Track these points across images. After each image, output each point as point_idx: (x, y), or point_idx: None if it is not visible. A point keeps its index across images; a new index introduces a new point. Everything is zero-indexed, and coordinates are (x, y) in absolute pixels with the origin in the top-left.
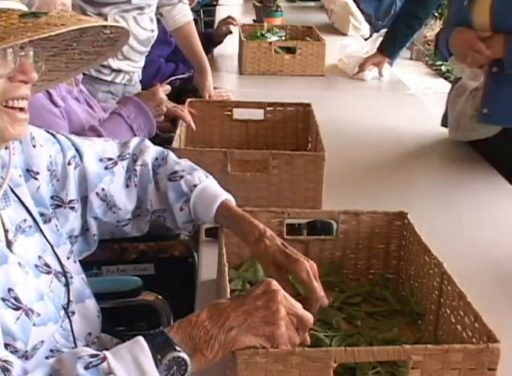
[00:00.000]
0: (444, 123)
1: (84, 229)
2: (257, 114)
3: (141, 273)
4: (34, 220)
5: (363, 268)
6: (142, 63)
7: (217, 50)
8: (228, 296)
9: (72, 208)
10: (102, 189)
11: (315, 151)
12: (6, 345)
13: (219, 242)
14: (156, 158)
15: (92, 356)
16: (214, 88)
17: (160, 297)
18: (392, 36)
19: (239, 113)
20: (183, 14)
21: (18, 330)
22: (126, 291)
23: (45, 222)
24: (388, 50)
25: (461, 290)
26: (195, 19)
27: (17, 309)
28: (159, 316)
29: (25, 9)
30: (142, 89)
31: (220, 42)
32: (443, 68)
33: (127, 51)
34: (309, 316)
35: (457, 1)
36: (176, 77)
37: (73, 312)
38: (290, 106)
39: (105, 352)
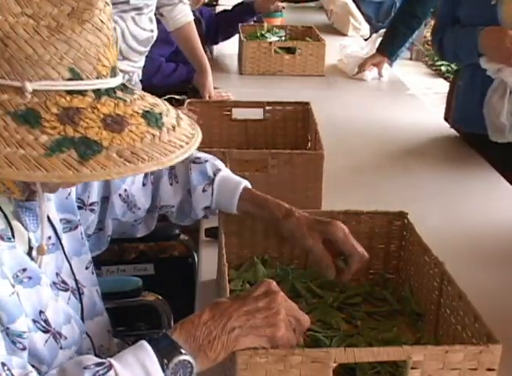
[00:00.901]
0: (447, 116)
1: (98, 228)
2: (257, 114)
3: (141, 273)
4: (56, 236)
5: (363, 268)
6: (141, 63)
7: (217, 50)
8: (228, 296)
9: (92, 210)
10: (125, 190)
11: (315, 150)
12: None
13: (219, 242)
14: None
15: (98, 364)
16: (214, 88)
17: (160, 297)
18: (391, 36)
19: (238, 113)
20: (184, 14)
21: (46, 353)
22: (126, 291)
23: (70, 229)
24: (387, 50)
25: (461, 290)
26: (198, 20)
27: (46, 331)
28: (159, 316)
29: (116, 82)
30: (142, 89)
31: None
32: (443, 68)
33: (126, 51)
34: (306, 318)
35: (478, 1)
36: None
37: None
38: (289, 105)
39: (109, 359)
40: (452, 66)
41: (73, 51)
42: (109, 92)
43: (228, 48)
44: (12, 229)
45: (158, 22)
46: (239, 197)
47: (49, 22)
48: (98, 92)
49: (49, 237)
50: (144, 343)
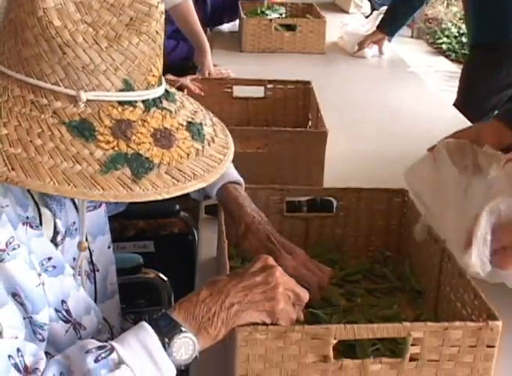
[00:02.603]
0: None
1: None
2: (258, 92)
3: (140, 251)
4: (79, 219)
5: (363, 245)
6: None
7: (217, 27)
8: (228, 273)
9: None
10: None
11: (316, 128)
12: (46, 354)
13: (219, 219)
14: None
15: (99, 347)
16: (214, 65)
17: (160, 274)
18: (392, 14)
19: (239, 91)
20: None
21: (65, 343)
22: (126, 268)
23: (94, 208)
24: (388, 28)
25: (461, 267)
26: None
27: (67, 321)
28: (159, 293)
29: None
30: None
31: None
32: (444, 46)
33: None
34: (305, 292)
35: None
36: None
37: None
38: (291, 83)
39: (111, 342)
40: (454, 44)
41: (129, 62)
42: (156, 101)
43: (228, 25)
44: (40, 216)
45: None
46: (218, 189)
47: (108, 31)
48: (147, 103)
49: (74, 222)
50: (144, 324)
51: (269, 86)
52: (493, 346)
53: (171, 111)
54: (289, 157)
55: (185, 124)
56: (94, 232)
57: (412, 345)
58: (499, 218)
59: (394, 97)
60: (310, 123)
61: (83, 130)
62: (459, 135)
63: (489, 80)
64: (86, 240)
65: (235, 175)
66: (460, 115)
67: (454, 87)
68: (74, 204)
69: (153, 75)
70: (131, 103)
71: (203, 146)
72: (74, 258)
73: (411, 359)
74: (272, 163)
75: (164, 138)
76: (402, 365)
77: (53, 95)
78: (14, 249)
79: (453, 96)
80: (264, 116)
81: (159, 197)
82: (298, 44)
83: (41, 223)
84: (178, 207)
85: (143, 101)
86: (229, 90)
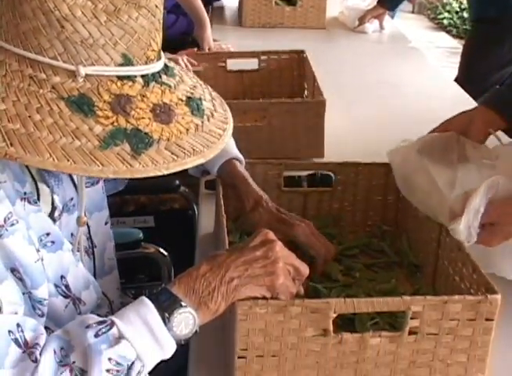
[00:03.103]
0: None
1: None
2: (252, 64)
3: (141, 226)
4: (77, 194)
5: (361, 220)
6: None
7: (217, 2)
8: (227, 248)
9: None
10: None
11: (313, 98)
12: (46, 329)
13: (217, 193)
14: None
15: (100, 322)
16: (214, 40)
17: (160, 249)
18: None
19: (233, 64)
20: None
21: (65, 318)
22: (126, 243)
23: (92, 184)
24: (388, 2)
25: (460, 241)
26: None
27: (67, 297)
28: (159, 268)
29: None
30: None
31: None
32: (445, 22)
33: None
34: (305, 267)
35: None
36: None
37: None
38: (284, 54)
39: (111, 317)
40: (455, 19)
41: (128, 36)
42: (156, 76)
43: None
44: (38, 191)
45: None
46: (221, 164)
47: (107, 5)
48: (146, 78)
49: (71, 198)
50: (144, 299)
51: (263, 58)
52: (492, 319)
53: (170, 86)
54: (288, 129)
55: (184, 99)
56: (91, 208)
57: (411, 318)
58: (495, 195)
59: (395, 72)
60: (306, 93)
61: (82, 105)
62: (446, 126)
63: (491, 56)
64: (84, 215)
65: (236, 152)
66: (462, 91)
67: (455, 63)
68: (72, 179)
69: (153, 50)
70: (131, 78)
71: (202, 122)
72: (73, 234)
73: (410, 333)
74: (271, 135)
75: (163, 113)
76: (402, 338)
77: (52, 70)
78: (12, 225)
79: (455, 72)
80: (259, 88)
81: (158, 173)
82: (299, 19)
83: (38, 199)
84: (178, 182)
85: (142, 76)
86: (223, 64)
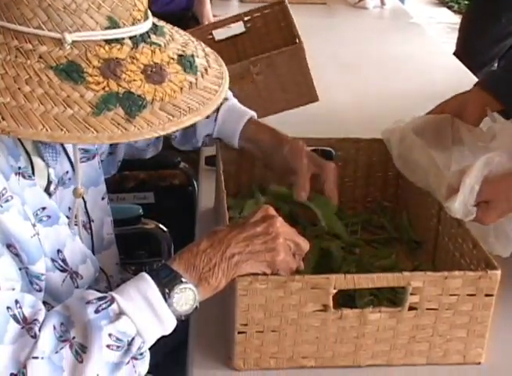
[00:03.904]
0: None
1: (109, 152)
2: (238, 29)
3: (140, 202)
4: (72, 169)
5: (361, 196)
6: None
7: None
8: (228, 224)
9: None
10: None
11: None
12: (44, 303)
13: (217, 169)
14: None
15: (100, 298)
16: (214, 15)
17: (160, 225)
18: None
19: (220, 34)
20: None
21: (62, 292)
22: (126, 218)
23: (88, 159)
24: None
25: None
26: None
27: (64, 271)
28: (159, 243)
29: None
30: None
31: None
32: None
33: None
34: (306, 242)
35: None
36: None
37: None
38: (266, 8)
39: (111, 293)
40: None
41: None
42: (144, 37)
43: None
44: (32, 166)
45: None
46: (242, 127)
47: None
48: (134, 39)
49: (67, 172)
50: (144, 275)
51: (246, 19)
52: (491, 295)
53: (160, 45)
54: (275, 81)
55: (175, 57)
56: (87, 183)
57: (411, 294)
58: (490, 172)
59: (397, 48)
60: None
61: (71, 72)
62: (442, 108)
63: (488, 30)
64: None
65: (251, 112)
66: (462, 65)
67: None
68: (67, 153)
69: (138, 10)
70: (119, 41)
71: (196, 79)
72: (70, 208)
73: (410, 309)
74: (262, 91)
75: (155, 73)
76: (401, 314)
77: (38, 40)
78: (7, 201)
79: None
80: (252, 50)
81: (155, 135)
82: None
83: (33, 173)
84: (178, 158)
85: (131, 37)
86: (210, 36)
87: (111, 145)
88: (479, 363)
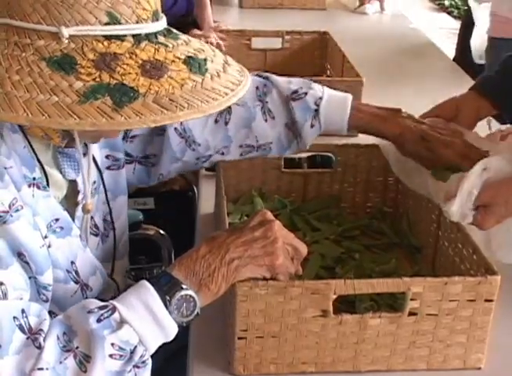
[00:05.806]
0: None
1: (151, 163)
2: (275, 43)
3: (140, 207)
4: (101, 178)
5: (361, 201)
6: None
7: None
8: (227, 229)
9: (131, 141)
10: (180, 124)
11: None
12: (50, 313)
13: (217, 175)
14: (257, 87)
15: (101, 307)
16: (214, 21)
17: (160, 230)
18: None
19: (256, 43)
20: None
21: (70, 304)
22: None
23: (118, 168)
24: None
25: (460, 222)
26: None
27: (77, 282)
28: (159, 249)
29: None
30: None
31: None
32: (446, 3)
33: None
34: (304, 246)
35: None
36: None
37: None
38: (307, 34)
39: (112, 301)
40: (456, 0)
41: None
42: (150, 37)
43: None
44: (47, 177)
45: None
46: (350, 110)
47: None
48: (137, 37)
49: (94, 182)
50: (145, 282)
51: (287, 37)
52: (491, 300)
53: (166, 46)
54: None
55: (182, 57)
56: (116, 191)
57: (411, 299)
58: (489, 177)
59: (397, 53)
60: (328, 73)
61: (64, 64)
62: (436, 112)
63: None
64: (106, 197)
65: (348, 97)
66: (462, 71)
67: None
68: (96, 164)
69: (144, 9)
70: (119, 37)
71: (203, 79)
72: (92, 217)
73: (410, 314)
74: None
75: (153, 69)
76: (401, 319)
77: (37, 35)
78: (17, 211)
79: None
80: (281, 67)
81: (144, 126)
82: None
83: (48, 184)
84: None
85: (134, 35)
86: (248, 42)
87: (154, 155)
88: (479, 368)
